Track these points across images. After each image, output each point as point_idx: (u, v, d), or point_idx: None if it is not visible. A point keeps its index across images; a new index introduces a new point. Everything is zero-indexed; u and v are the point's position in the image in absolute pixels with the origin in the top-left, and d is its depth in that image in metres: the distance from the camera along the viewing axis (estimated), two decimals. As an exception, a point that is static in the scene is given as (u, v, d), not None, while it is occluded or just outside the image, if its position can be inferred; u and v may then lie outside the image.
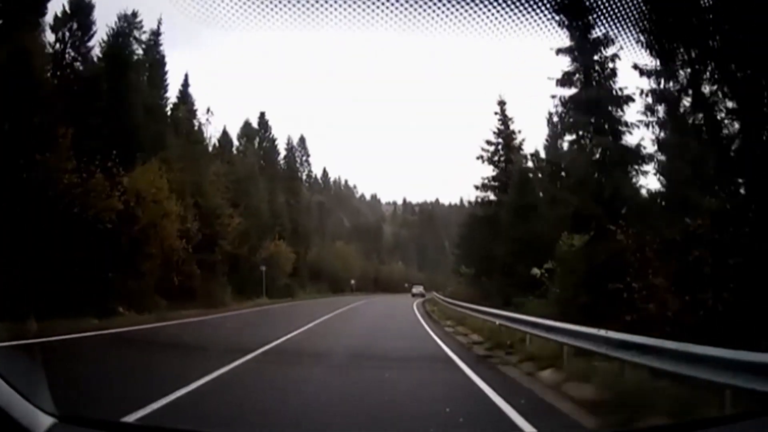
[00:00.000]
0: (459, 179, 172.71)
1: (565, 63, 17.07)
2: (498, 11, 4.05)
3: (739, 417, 3.69)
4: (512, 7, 4.10)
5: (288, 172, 55.15)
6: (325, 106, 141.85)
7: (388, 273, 75.17)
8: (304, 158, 76.26)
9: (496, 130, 28.50)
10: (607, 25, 6.14)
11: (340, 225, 71.42)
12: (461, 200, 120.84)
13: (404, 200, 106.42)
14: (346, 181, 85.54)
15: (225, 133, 47.39)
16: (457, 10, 3.98)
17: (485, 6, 3.97)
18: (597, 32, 15.51)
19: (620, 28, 5.65)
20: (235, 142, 52.29)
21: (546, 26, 4.40)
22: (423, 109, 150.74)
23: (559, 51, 16.68)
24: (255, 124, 55.55)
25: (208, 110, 38.87)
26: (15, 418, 1.89)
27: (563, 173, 19.22)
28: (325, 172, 79.69)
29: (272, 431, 4.80)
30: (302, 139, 73.63)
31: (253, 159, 50.77)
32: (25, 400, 1.99)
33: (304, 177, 74.04)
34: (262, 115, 57.28)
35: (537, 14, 4.20)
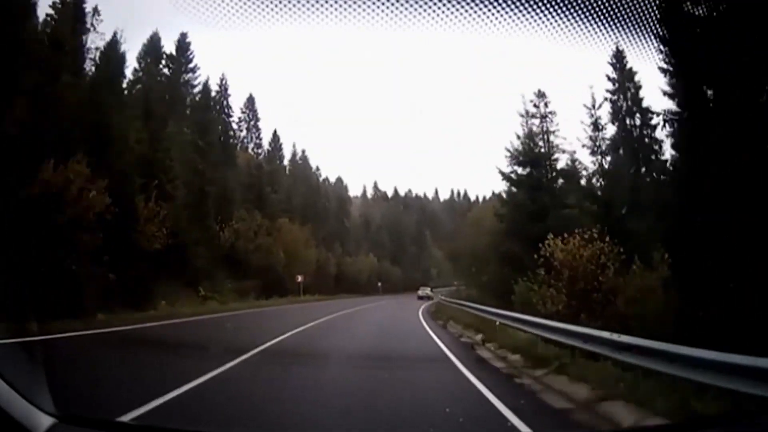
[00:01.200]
0: (433, 173, 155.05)
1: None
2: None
3: (739, 417, 3.60)
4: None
5: (201, 102, 34.82)
6: (293, 87, 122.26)
7: (354, 268, 55.41)
8: (252, 122, 56.91)
9: None
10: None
11: (289, 201, 51.12)
12: (436, 192, 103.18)
13: (375, 184, 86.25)
14: (303, 153, 63.61)
15: (113, 43, 28.90)
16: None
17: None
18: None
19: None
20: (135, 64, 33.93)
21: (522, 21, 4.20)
22: (395, 100, 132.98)
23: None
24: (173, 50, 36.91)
25: (95, 12, 22.42)
26: (15, 418, 1.86)
27: None
28: (275, 137, 58.40)
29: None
30: (251, 100, 54.24)
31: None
32: (25, 400, 1.95)
33: (250, 146, 54.81)
34: (183, 37, 37.79)
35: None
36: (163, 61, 36.78)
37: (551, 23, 4.42)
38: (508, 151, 20.12)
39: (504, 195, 21.94)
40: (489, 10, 4.31)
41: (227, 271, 29.40)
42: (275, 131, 56.89)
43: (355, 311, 26.07)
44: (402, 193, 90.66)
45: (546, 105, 21.51)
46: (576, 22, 4.56)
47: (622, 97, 19.47)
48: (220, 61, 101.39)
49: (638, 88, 19.02)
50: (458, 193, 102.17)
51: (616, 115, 18.95)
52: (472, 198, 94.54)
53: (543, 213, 17.81)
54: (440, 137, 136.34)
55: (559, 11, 4.46)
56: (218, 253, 30.23)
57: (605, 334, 6.91)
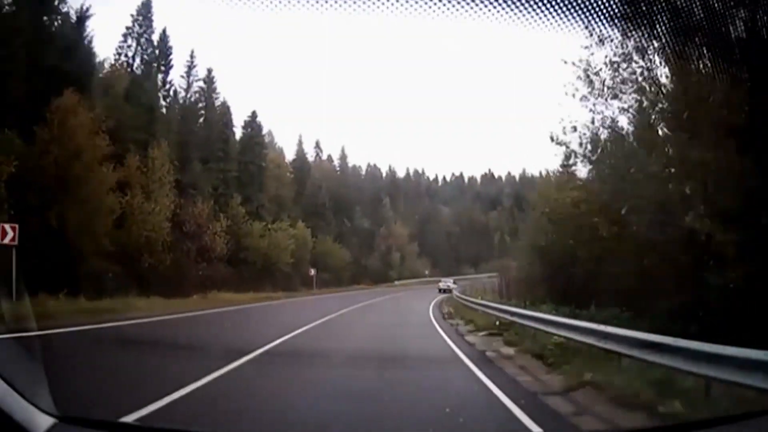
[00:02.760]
0: (384, 150, 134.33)
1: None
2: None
3: (740, 417, 3.53)
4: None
5: None
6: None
7: (266, 241, 32.83)
8: (143, 33, 36.66)
9: None
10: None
11: (151, 117, 28.00)
12: (390, 168, 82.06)
13: (317, 144, 61.68)
14: (210, 74, 38.00)
15: None
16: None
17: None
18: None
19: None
20: None
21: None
22: (348, 65, 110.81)
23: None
24: None
25: None
26: (15, 419, 1.82)
27: None
28: (163, 39, 35.85)
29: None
30: (147, 6, 33.45)
31: None
32: (25, 400, 1.92)
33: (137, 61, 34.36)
34: None
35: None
36: None
37: None
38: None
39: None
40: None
41: None
42: (164, 30, 34.06)
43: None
44: (350, 164, 68.02)
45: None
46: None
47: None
48: None
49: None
50: (415, 171, 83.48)
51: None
52: (431, 177, 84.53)
53: None
54: (397, 109, 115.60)
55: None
56: None
57: None
